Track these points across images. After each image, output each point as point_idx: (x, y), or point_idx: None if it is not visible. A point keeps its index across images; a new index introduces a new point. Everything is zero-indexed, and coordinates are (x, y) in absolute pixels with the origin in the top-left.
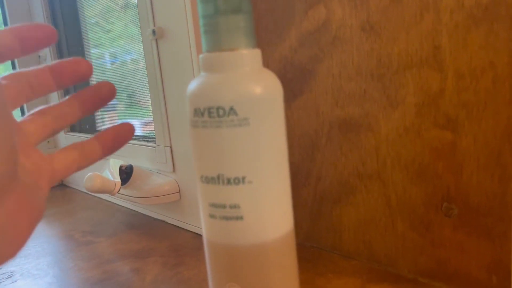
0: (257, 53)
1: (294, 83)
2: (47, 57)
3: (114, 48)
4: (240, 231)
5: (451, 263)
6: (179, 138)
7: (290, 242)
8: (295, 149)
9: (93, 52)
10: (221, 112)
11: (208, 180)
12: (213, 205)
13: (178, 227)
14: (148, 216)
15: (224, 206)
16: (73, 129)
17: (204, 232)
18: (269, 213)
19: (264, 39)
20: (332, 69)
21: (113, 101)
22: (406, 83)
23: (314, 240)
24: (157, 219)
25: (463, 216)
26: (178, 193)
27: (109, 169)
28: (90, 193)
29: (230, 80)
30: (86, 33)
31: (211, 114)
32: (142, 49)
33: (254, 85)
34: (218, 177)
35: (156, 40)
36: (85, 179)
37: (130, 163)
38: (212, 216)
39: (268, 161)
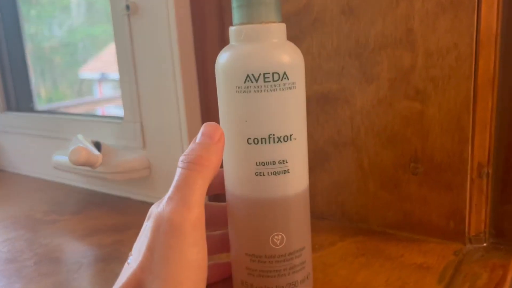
0: (283, 26)
1: None
2: None
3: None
4: (287, 183)
5: (416, 214)
6: (150, 114)
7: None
8: None
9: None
10: (276, 77)
11: (258, 141)
12: (262, 163)
13: (147, 202)
14: (109, 194)
15: (273, 163)
16: (9, 108)
17: (243, 192)
18: (306, 163)
19: None
20: (312, 49)
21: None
22: (381, 61)
23: None
24: (121, 196)
25: (427, 173)
26: (149, 168)
27: (83, 144)
28: (75, 165)
29: (277, 49)
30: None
31: (266, 79)
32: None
33: (297, 54)
34: (269, 137)
35: (129, 15)
36: (70, 152)
37: (95, 139)
38: (259, 174)
39: (304, 120)
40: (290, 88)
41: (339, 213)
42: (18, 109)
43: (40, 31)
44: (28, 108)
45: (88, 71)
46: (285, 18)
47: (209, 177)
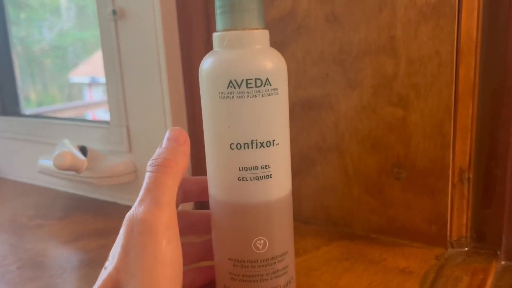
0: (267, 33)
1: None
2: None
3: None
4: (270, 188)
5: (399, 219)
6: (137, 118)
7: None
8: None
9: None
10: (258, 83)
11: (240, 146)
12: (245, 168)
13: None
14: (95, 198)
15: (256, 168)
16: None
17: (226, 197)
18: (289, 168)
19: None
20: (297, 55)
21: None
22: (365, 67)
23: None
24: (107, 201)
25: (410, 179)
26: (135, 172)
27: (68, 149)
28: (59, 170)
29: (260, 55)
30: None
31: (248, 85)
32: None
33: (279, 60)
34: (252, 142)
35: (115, 20)
36: (55, 156)
37: (81, 144)
38: (242, 179)
39: (287, 125)
40: (272, 94)
41: (324, 218)
42: (4, 113)
43: (31, 34)
44: (15, 112)
45: (78, 75)
46: (270, 24)
47: (177, 178)
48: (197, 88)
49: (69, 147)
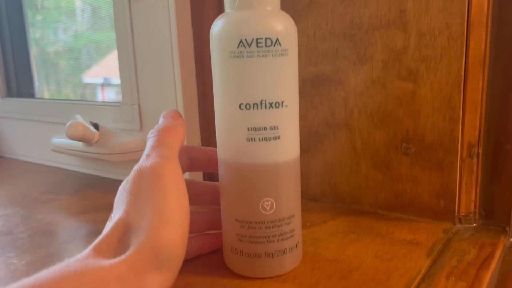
0: None
1: None
2: None
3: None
4: (278, 149)
5: (407, 194)
6: (148, 97)
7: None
8: None
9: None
10: (268, 42)
11: (250, 106)
12: (253, 129)
13: None
14: (106, 177)
15: (265, 129)
16: (10, 94)
17: (235, 158)
18: (297, 132)
19: None
20: (307, 30)
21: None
22: (375, 41)
23: None
24: (118, 180)
25: (419, 153)
26: None
27: (81, 121)
28: (71, 140)
29: (271, 16)
30: None
31: (259, 44)
32: None
33: (290, 22)
34: (261, 102)
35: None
36: (67, 126)
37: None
38: (250, 139)
39: (296, 88)
40: (282, 54)
41: (332, 195)
42: (19, 95)
43: (46, 35)
44: (29, 94)
45: (91, 76)
46: (282, 1)
47: (177, 140)
48: (208, 67)
49: (81, 120)
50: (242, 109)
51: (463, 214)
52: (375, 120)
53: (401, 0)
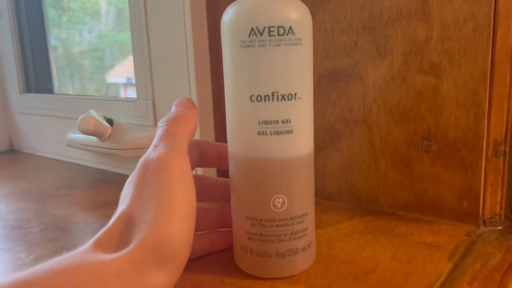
0: None
1: None
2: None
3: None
4: (290, 144)
5: (427, 194)
6: (162, 92)
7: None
8: None
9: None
10: (281, 31)
11: (261, 98)
12: (265, 122)
13: None
14: (120, 173)
15: (277, 122)
16: (29, 90)
17: (245, 152)
18: (311, 126)
19: None
20: (325, 23)
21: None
22: (395, 34)
23: None
24: None
25: (441, 151)
26: None
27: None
28: (83, 134)
29: (284, 3)
30: None
31: (271, 33)
32: None
33: (304, 10)
34: (273, 94)
35: None
36: (79, 120)
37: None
38: (262, 133)
39: (311, 79)
40: (296, 44)
41: (348, 194)
42: (37, 91)
43: (71, 36)
44: (47, 89)
45: (114, 76)
46: None
47: (188, 130)
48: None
49: (94, 114)
50: (253, 101)
51: (488, 216)
52: (395, 116)
53: None
